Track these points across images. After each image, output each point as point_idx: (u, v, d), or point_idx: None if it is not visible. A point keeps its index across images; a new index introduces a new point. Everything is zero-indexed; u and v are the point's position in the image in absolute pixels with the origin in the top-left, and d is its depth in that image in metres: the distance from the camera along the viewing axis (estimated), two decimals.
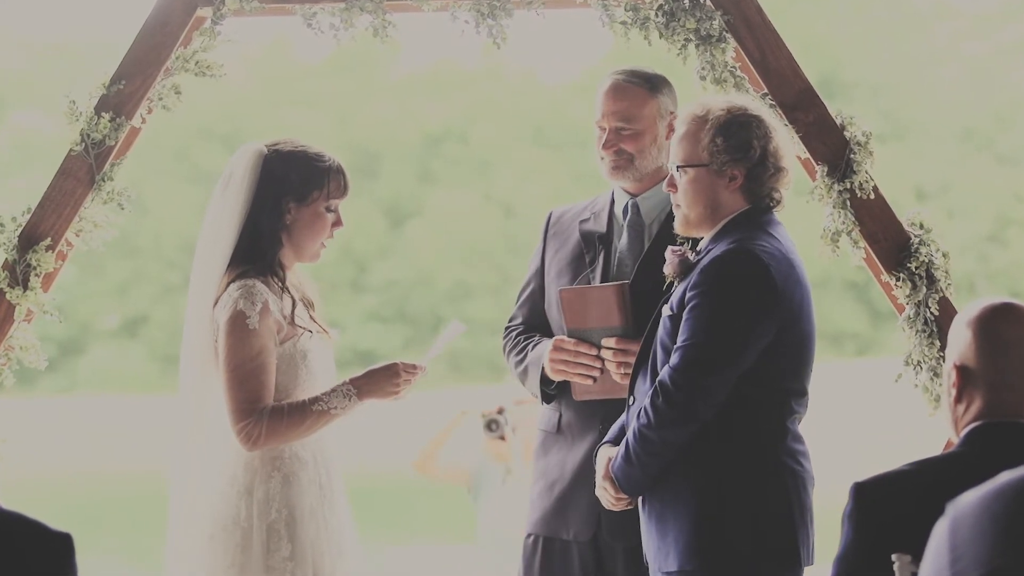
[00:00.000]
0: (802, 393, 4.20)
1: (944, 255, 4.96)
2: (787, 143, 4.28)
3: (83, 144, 5.09)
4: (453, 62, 19.73)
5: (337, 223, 4.51)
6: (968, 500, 2.66)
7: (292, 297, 4.44)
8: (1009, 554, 2.57)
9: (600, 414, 4.58)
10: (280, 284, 4.43)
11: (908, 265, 4.96)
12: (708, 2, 5.03)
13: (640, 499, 4.21)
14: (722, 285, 4.06)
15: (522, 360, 4.74)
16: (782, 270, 4.09)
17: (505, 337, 4.86)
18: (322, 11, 5.09)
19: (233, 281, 4.37)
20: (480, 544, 6.75)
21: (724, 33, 5.01)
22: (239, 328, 4.31)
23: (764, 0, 5.09)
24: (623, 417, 4.29)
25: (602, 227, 4.73)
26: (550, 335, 4.72)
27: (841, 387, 16.63)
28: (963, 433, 3.10)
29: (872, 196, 4.99)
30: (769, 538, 4.09)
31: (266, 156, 4.45)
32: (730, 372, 4.06)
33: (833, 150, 5.01)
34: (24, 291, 5.04)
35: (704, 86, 4.99)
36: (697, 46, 5.01)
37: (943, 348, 4.84)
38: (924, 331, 4.94)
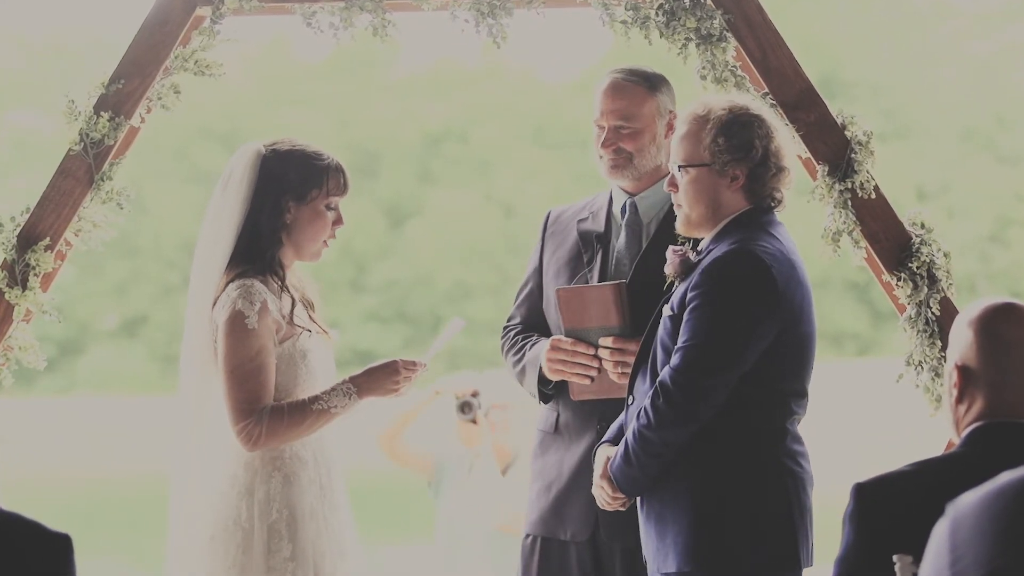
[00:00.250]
0: (802, 394, 4.19)
1: (945, 255, 4.96)
2: (788, 143, 4.28)
3: (82, 144, 5.08)
4: (453, 62, 19.72)
5: (338, 221, 4.50)
6: (968, 500, 2.66)
7: (292, 297, 4.44)
8: (1009, 554, 2.56)
9: (598, 414, 4.58)
10: (280, 284, 4.42)
11: (909, 265, 4.95)
12: (709, 1, 5.03)
13: (639, 500, 4.21)
14: (723, 286, 4.06)
15: (520, 360, 4.73)
16: (783, 271, 4.09)
17: (503, 337, 4.85)
18: (321, 10, 5.09)
19: (232, 281, 4.36)
20: (439, 540, 6.65)
21: (725, 32, 5.00)
22: (238, 328, 4.31)
23: None
24: (622, 416, 4.29)
25: (600, 226, 4.73)
26: (548, 335, 4.71)
27: (842, 387, 16.62)
28: (964, 433, 3.09)
29: (873, 196, 4.98)
30: (768, 539, 4.09)
31: (264, 156, 4.45)
32: (731, 373, 4.05)
33: (834, 150, 5.01)
34: (23, 291, 5.04)
35: (705, 85, 4.99)
36: (698, 45, 5.00)
37: (944, 348, 4.83)
38: (925, 331, 4.93)
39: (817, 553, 4.20)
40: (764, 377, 4.10)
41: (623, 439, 4.17)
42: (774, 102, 4.99)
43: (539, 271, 4.84)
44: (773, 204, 4.23)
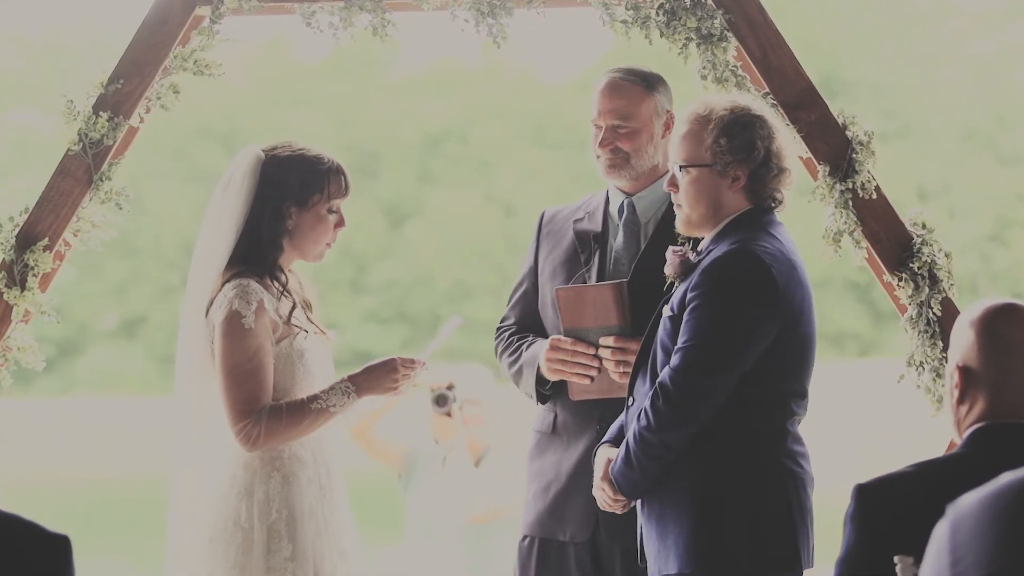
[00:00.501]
0: (802, 395, 4.19)
1: (947, 255, 4.95)
2: (790, 143, 4.28)
3: (81, 144, 5.07)
4: (453, 61, 19.72)
5: (340, 223, 4.50)
6: (968, 501, 2.65)
7: (292, 299, 4.43)
8: (1010, 555, 2.56)
9: (597, 414, 4.57)
10: (280, 288, 4.41)
11: (910, 265, 4.94)
12: (709, 1, 5.02)
13: (639, 501, 4.19)
14: (723, 286, 4.05)
15: (516, 360, 4.72)
16: (783, 271, 4.08)
17: (497, 338, 4.85)
18: (321, 10, 5.08)
19: (228, 281, 4.35)
20: (409, 534, 6.60)
21: (725, 32, 4.99)
22: (235, 328, 4.30)
23: None
24: (622, 417, 4.28)
25: (597, 226, 4.72)
26: (543, 335, 4.71)
27: (843, 388, 16.63)
28: (966, 434, 3.09)
29: (874, 196, 4.98)
30: (769, 540, 4.08)
31: (264, 161, 4.44)
32: (731, 374, 4.04)
33: (835, 150, 5.00)
34: (22, 291, 5.03)
35: (705, 85, 4.98)
36: (698, 45, 4.99)
37: (945, 349, 4.83)
38: (926, 332, 4.92)
39: (818, 554, 4.19)
40: (764, 377, 4.09)
41: (624, 441, 4.16)
42: (775, 102, 4.98)
43: (534, 271, 4.83)
44: (774, 204, 4.22)
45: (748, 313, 4.05)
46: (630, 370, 4.37)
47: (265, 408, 4.30)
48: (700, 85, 4.99)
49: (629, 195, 4.72)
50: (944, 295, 4.94)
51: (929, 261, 4.94)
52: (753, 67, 5.04)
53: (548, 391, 4.68)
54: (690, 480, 4.08)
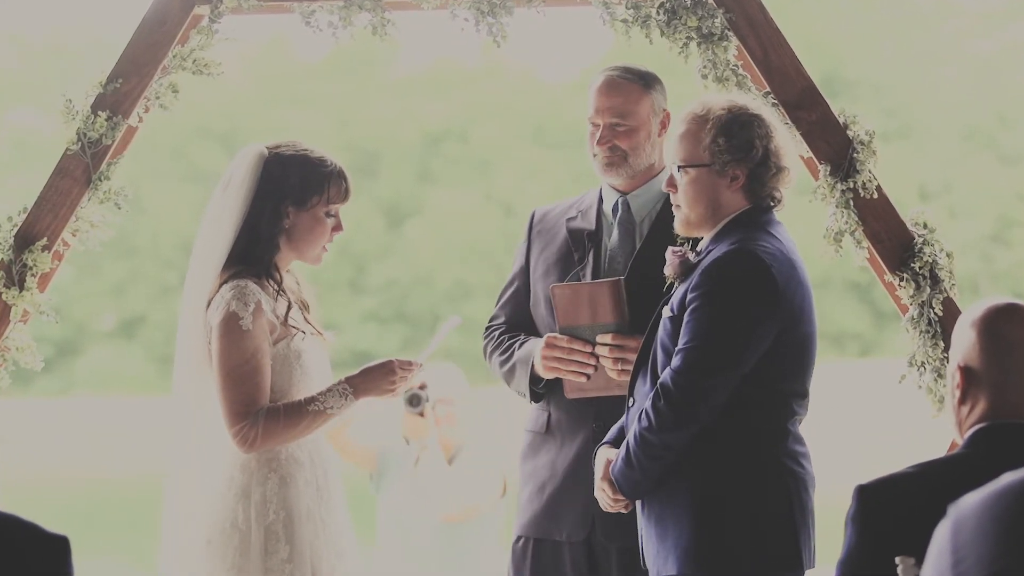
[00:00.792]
0: (803, 395, 4.18)
1: (948, 255, 4.95)
2: (788, 142, 4.27)
3: (79, 143, 5.07)
4: (453, 61, 19.72)
5: (337, 228, 4.49)
6: (970, 502, 2.65)
7: (288, 300, 4.42)
8: (1012, 556, 2.56)
9: (593, 413, 4.57)
10: (276, 287, 4.40)
11: (912, 265, 4.93)
12: (710, 0, 5.01)
13: (639, 501, 4.19)
14: (723, 286, 4.04)
15: (508, 359, 4.72)
16: (783, 271, 4.07)
17: (487, 337, 4.84)
18: (320, 9, 5.08)
19: (226, 282, 4.35)
20: (381, 534, 6.56)
21: (726, 31, 4.99)
22: (233, 330, 4.29)
23: None
24: (623, 419, 4.27)
25: (591, 224, 4.72)
26: (533, 334, 4.70)
27: (844, 388, 16.63)
28: (967, 435, 3.09)
29: (875, 195, 4.97)
30: (770, 541, 4.07)
31: (267, 159, 4.43)
32: (731, 374, 4.04)
33: (836, 149, 4.99)
34: (20, 291, 5.02)
35: (706, 85, 4.98)
36: (699, 44, 4.99)
37: (947, 349, 4.82)
38: (928, 332, 4.92)
39: (819, 554, 4.19)
40: (765, 378, 4.08)
41: (624, 442, 4.15)
42: (776, 101, 4.97)
43: (525, 270, 4.83)
44: (773, 204, 4.21)
45: (748, 313, 4.04)
46: (628, 367, 4.38)
47: (262, 410, 4.29)
48: (701, 84, 4.99)
49: (623, 194, 4.72)
50: (945, 295, 4.93)
51: (930, 261, 4.93)
52: (754, 66, 5.03)
53: (541, 390, 4.67)
54: (690, 480, 4.08)
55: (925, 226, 4.97)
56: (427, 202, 19.73)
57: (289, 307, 4.41)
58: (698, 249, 4.22)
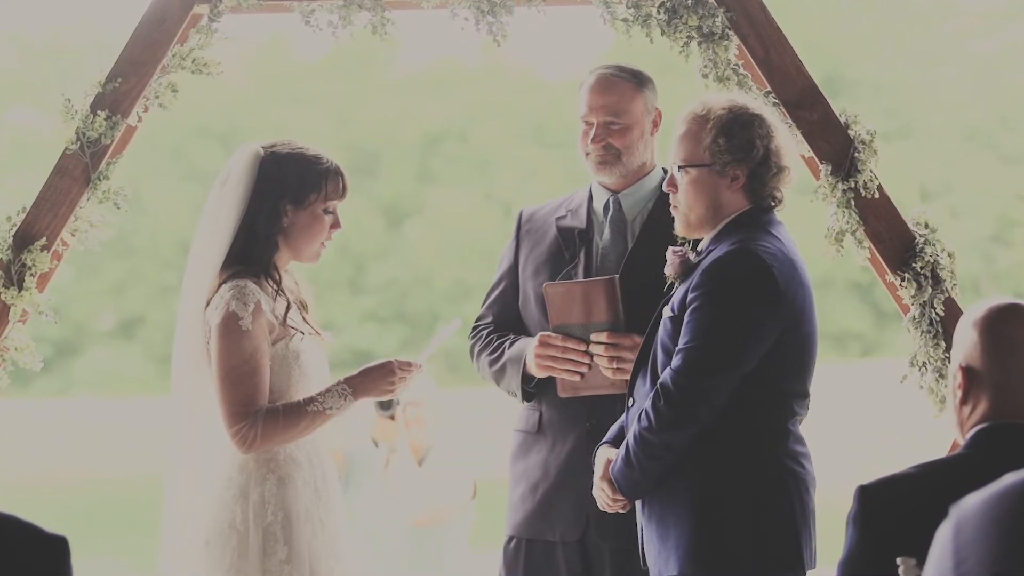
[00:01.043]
0: (804, 395, 4.18)
1: (950, 255, 4.94)
2: (789, 141, 4.27)
3: (79, 143, 5.06)
4: (453, 60, 19.72)
5: (335, 225, 4.48)
6: (971, 502, 2.64)
7: (287, 299, 4.41)
8: (1014, 557, 2.55)
9: (585, 412, 4.57)
10: (275, 286, 4.40)
11: (913, 265, 4.93)
12: None
13: (640, 502, 4.18)
14: (724, 287, 4.04)
15: (498, 359, 4.71)
16: (784, 271, 4.07)
17: (473, 337, 4.84)
18: (320, 8, 5.07)
19: (225, 282, 4.34)
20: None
21: (727, 30, 4.99)
22: (232, 330, 4.28)
23: None
24: (623, 418, 4.27)
25: (581, 223, 4.73)
26: (522, 334, 4.70)
27: (845, 388, 16.63)
28: (969, 435, 3.09)
29: (876, 195, 4.97)
30: (770, 541, 4.07)
31: (263, 158, 4.43)
32: (732, 374, 4.03)
33: (837, 149, 4.99)
34: (19, 291, 5.02)
35: (707, 84, 4.98)
36: (699, 44, 4.98)
37: (948, 349, 4.82)
38: (929, 332, 4.91)
39: (820, 555, 4.19)
40: (765, 378, 4.08)
41: (624, 441, 4.15)
42: (777, 101, 4.97)
43: (514, 270, 4.83)
44: (773, 203, 4.21)
45: (749, 313, 4.04)
46: (623, 365, 4.37)
47: (261, 410, 4.28)
48: (701, 84, 4.99)
49: (614, 192, 4.72)
50: (947, 295, 4.93)
51: (932, 261, 4.93)
52: (755, 66, 5.03)
53: (533, 389, 4.67)
54: (691, 481, 4.07)
55: (926, 226, 4.97)
56: (427, 202, 19.72)
57: (288, 307, 4.40)
58: (699, 249, 4.22)
